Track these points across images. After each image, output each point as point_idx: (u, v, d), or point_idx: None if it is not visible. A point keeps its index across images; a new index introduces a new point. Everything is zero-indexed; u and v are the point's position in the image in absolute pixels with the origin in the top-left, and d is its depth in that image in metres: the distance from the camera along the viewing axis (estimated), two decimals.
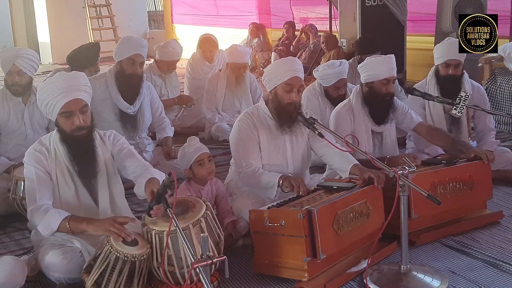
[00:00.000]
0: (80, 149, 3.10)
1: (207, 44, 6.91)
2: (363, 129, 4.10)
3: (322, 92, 5.03)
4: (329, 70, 4.88)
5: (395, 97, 4.21)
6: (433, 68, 4.64)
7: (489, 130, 4.65)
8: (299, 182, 3.33)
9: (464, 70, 4.56)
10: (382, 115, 4.10)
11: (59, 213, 2.95)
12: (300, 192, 3.28)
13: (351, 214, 3.13)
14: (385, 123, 4.12)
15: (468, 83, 4.58)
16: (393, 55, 4.12)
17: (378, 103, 4.07)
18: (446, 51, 4.51)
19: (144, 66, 5.14)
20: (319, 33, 9.80)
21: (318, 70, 5.01)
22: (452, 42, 4.52)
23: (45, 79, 3.32)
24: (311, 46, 9.65)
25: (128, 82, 4.83)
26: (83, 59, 5.44)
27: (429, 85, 4.61)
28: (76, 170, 3.11)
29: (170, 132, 5.24)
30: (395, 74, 4.07)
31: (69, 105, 3.01)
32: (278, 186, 3.44)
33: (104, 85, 4.82)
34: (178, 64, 6.69)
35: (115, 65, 4.96)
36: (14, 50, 4.32)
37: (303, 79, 3.64)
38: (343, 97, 4.76)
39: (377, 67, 4.04)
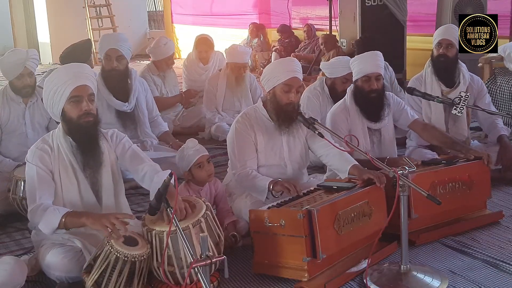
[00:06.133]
0: (86, 138, 3.10)
1: (203, 44, 6.90)
2: (359, 127, 4.09)
3: (323, 91, 5.03)
4: (342, 60, 4.92)
5: (390, 93, 4.21)
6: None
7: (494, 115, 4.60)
8: (292, 184, 3.34)
9: (460, 61, 4.60)
10: (373, 112, 4.09)
11: (58, 210, 2.95)
12: (297, 193, 3.28)
13: (353, 214, 3.12)
14: (380, 120, 4.12)
15: (466, 71, 4.61)
16: (378, 51, 4.12)
17: (364, 100, 4.07)
18: (440, 32, 4.62)
19: (142, 67, 5.17)
20: (319, 33, 9.80)
21: (326, 63, 5.02)
22: (447, 25, 4.68)
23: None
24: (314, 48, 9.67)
25: (111, 79, 4.89)
26: (76, 56, 5.46)
27: (425, 71, 4.64)
28: (81, 161, 3.10)
29: (166, 126, 5.35)
30: (379, 71, 4.04)
31: (78, 90, 3.03)
32: (268, 191, 3.43)
33: (96, 90, 4.82)
34: (177, 64, 6.70)
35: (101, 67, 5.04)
36: (23, 52, 4.36)
37: (301, 79, 3.64)
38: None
39: (359, 64, 4.06)
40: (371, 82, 4.01)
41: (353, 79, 4.13)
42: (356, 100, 4.10)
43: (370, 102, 4.06)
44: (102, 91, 4.84)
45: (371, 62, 4.03)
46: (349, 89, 4.21)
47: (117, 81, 4.90)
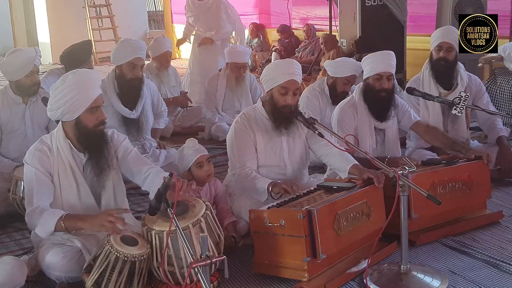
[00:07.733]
0: (97, 144, 3.11)
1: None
2: (366, 126, 4.10)
3: (322, 92, 5.03)
4: (347, 61, 4.92)
5: (395, 95, 4.21)
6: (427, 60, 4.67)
7: (494, 115, 4.57)
8: (290, 185, 3.34)
9: (459, 62, 4.58)
10: (381, 112, 4.09)
11: (53, 213, 2.94)
12: (296, 193, 3.28)
13: (352, 214, 3.12)
14: (386, 120, 4.11)
15: (464, 72, 4.59)
16: (391, 51, 4.12)
17: (374, 99, 4.07)
18: (439, 34, 4.58)
19: None
20: (319, 33, 9.81)
21: (330, 62, 5.01)
22: (447, 27, 4.61)
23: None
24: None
25: (129, 87, 4.83)
26: (76, 57, 5.45)
27: (423, 73, 4.63)
28: (83, 164, 3.11)
29: (162, 123, 5.34)
30: (391, 71, 4.04)
31: (96, 100, 3.06)
32: (268, 192, 3.43)
33: (103, 93, 4.79)
34: (177, 65, 6.70)
35: (113, 69, 4.95)
36: (32, 50, 4.34)
37: (300, 81, 3.64)
38: (346, 95, 4.80)
39: (372, 62, 4.06)
40: (383, 81, 4.01)
41: (364, 77, 4.12)
42: (365, 98, 4.10)
43: (379, 101, 4.05)
44: (110, 95, 4.77)
45: (384, 61, 4.03)
46: (358, 86, 4.21)
47: (134, 90, 4.85)
